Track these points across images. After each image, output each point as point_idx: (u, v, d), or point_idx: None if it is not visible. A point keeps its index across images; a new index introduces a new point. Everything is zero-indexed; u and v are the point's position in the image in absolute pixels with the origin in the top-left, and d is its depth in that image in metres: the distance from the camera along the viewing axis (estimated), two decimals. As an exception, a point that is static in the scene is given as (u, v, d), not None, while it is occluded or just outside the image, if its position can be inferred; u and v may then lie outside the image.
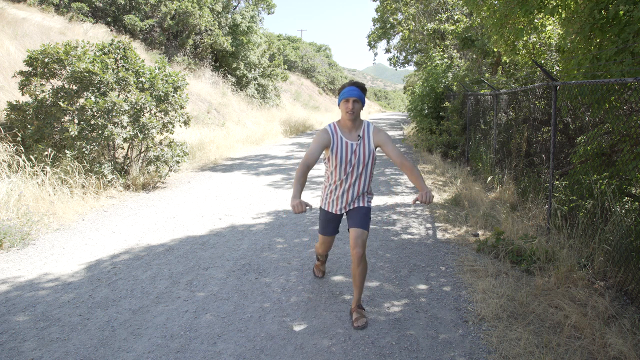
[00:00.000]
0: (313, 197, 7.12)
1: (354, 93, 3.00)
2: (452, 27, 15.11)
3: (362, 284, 3.17)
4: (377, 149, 3.19)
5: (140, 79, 7.57)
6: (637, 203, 4.40)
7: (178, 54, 18.58)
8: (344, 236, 5.14)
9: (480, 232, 5.22)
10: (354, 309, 3.22)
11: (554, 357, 2.72)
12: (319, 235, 3.54)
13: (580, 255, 4.10)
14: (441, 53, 16.24)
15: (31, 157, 6.34)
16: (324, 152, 3.18)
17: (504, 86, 8.72)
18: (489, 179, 7.69)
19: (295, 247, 4.79)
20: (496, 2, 7.16)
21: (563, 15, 5.87)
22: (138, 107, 7.22)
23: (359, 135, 3.08)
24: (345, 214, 3.34)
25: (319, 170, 9.87)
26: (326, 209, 3.34)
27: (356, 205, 3.22)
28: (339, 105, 3.10)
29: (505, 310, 3.30)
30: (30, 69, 6.95)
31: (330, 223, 3.38)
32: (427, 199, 2.84)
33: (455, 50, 16.71)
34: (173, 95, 7.87)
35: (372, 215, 6.01)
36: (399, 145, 15.24)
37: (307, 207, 2.89)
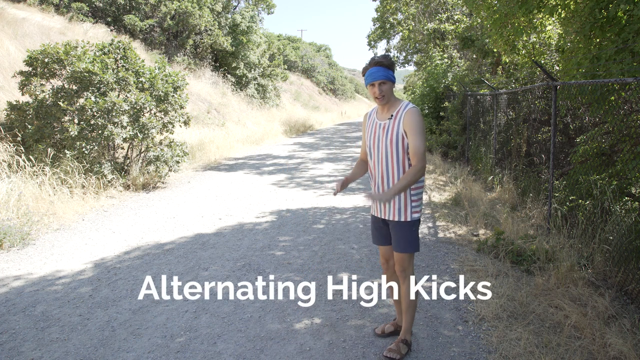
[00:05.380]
0: (316, 197, 7.12)
1: (378, 75, 2.58)
2: (452, 27, 15.12)
3: (408, 309, 2.78)
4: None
5: (140, 79, 7.57)
6: (637, 203, 4.40)
7: (178, 54, 18.58)
8: (344, 236, 5.14)
9: (480, 232, 5.22)
10: (398, 340, 2.84)
11: (554, 357, 2.72)
12: None
13: (580, 255, 4.10)
14: (441, 53, 16.23)
15: (31, 157, 6.34)
16: None
17: (504, 86, 8.72)
18: (489, 179, 7.70)
19: (296, 247, 4.78)
20: (496, 1, 7.15)
21: (563, 15, 5.87)
22: (138, 107, 7.22)
23: (391, 115, 2.67)
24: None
25: (320, 170, 9.87)
26: (371, 212, 2.93)
27: (394, 217, 2.70)
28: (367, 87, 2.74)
29: (505, 310, 3.30)
30: (30, 69, 6.96)
31: (375, 229, 2.90)
32: (371, 198, 2.63)
33: (455, 50, 16.71)
34: (173, 95, 7.87)
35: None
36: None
37: (335, 190, 2.77)
